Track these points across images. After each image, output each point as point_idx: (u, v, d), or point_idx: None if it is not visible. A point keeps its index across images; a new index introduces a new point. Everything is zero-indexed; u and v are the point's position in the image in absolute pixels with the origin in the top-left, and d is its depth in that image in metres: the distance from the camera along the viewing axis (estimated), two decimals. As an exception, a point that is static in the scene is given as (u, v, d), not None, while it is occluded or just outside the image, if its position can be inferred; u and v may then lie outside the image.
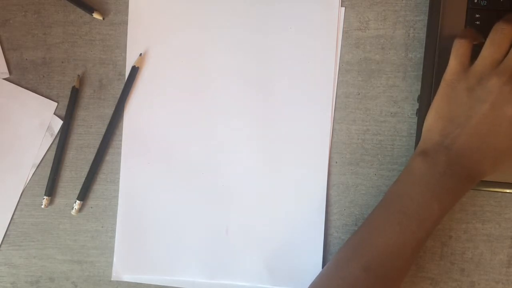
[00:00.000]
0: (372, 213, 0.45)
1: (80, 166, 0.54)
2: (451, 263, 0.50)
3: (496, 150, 0.42)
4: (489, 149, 0.42)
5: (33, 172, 0.54)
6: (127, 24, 0.53)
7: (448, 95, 0.43)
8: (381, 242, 0.43)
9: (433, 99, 0.45)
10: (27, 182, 0.54)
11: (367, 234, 0.44)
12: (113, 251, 0.53)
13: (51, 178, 0.53)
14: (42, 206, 0.54)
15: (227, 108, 0.52)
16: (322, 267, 0.51)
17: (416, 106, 0.50)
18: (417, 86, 0.50)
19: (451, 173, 0.42)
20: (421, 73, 0.48)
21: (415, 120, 0.50)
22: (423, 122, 0.47)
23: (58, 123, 0.53)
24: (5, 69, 0.54)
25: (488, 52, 0.42)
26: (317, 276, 0.46)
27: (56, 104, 0.54)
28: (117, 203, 0.53)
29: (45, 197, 0.53)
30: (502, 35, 0.42)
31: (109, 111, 0.53)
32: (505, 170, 0.44)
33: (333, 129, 0.51)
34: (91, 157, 0.53)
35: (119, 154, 0.53)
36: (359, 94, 0.51)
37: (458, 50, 0.43)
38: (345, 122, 0.51)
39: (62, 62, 0.53)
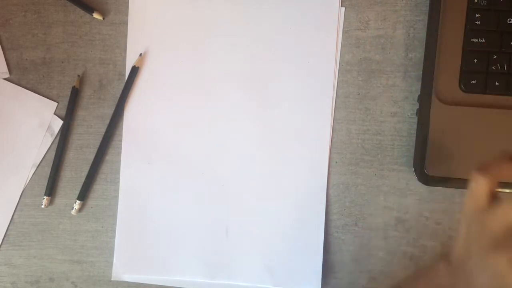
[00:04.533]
0: None
1: (80, 166, 0.54)
2: (451, 263, 0.50)
3: None
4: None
5: (33, 172, 0.54)
6: (127, 24, 0.53)
7: (465, 231, 0.37)
8: None
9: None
10: (27, 182, 0.54)
11: None
12: (113, 251, 0.53)
13: (51, 178, 0.53)
14: (42, 206, 0.54)
15: (227, 108, 0.52)
16: (322, 267, 0.51)
17: (416, 106, 0.50)
18: (417, 86, 0.50)
19: None
20: (421, 73, 0.48)
21: (415, 120, 0.49)
22: (422, 122, 0.47)
23: (58, 123, 0.53)
24: (5, 69, 0.54)
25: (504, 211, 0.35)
26: None
27: (56, 104, 0.54)
28: (117, 203, 0.53)
29: (45, 197, 0.53)
30: None
31: (109, 111, 0.53)
32: None
33: (333, 129, 0.51)
34: (91, 157, 0.53)
35: (119, 154, 0.53)
36: (359, 94, 0.51)
37: (475, 191, 0.36)
38: (345, 122, 0.51)
39: (62, 62, 0.53)
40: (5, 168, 0.54)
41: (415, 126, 0.50)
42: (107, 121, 0.53)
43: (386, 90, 0.51)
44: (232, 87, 0.52)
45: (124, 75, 0.53)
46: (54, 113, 0.53)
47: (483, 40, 0.45)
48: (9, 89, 0.54)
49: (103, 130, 0.53)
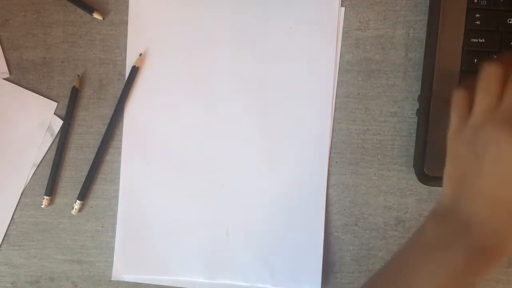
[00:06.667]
0: (372, 280, 0.41)
1: (80, 166, 0.54)
2: (451, 263, 0.50)
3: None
4: (504, 214, 0.35)
5: (33, 172, 0.54)
6: (127, 24, 0.53)
7: (452, 152, 0.38)
8: None
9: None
10: (27, 182, 0.54)
11: None
12: (113, 251, 0.53)
13: (51, 178, 0.53)
14: (42, 206, 0.54)
15: (227, 108, 0.52)
16: (322, 267, 0.51)
17: (416, 106, 0.50)
18: (417, 86, 0.50)
19: (459, 245, 0.35)
20: (421, 73, 0.48)
21: (415, 120, 0.50)
22: (422, 122, 0.47)
23: (58, 123, 0.53)
24: (5, 69, 0.54)
25: (480, 99, 0.37)
26: None
27: (56, 104, 0.54)
28: (117, 203, 0.53)
29: (45, 197, 0.53)
30: (490, 78, 0.37)
31: (109, 111, 0.53)
32: None
33: (333, 129, 0.51)
34: (91, 157, 0.53)
35: (119, 154, 0.53)
36: (359, 94, 0.51)
37: (455, 104, 0.39)
38: (345, 122, 0.51)
39: (62, 62, 0.53)
40: (5, 168, 0.54)
41: (415, 126, 0.50)
42: (107, 121, 0.53)
43: (386, 90, 0.51)
44: (232, 87, 0.52)
45: (124, 75, 0.53)
46: (54, 113, 0.54)
47: (483, 40, 0.45)
48: (9, 89, 0.54)
49: (103, 130, 0.53)
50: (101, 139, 0.53)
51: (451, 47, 0.48)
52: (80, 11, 0.53)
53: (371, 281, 0.41)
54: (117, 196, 0.53)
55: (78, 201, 0.53)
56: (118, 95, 0.53)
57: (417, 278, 0.37)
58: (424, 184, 0.48)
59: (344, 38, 0.51)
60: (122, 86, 0.53)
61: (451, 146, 0.39)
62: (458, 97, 0.39)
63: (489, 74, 0.37)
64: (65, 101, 0.53)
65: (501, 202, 0.35)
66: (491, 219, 0.35)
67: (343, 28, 0.51)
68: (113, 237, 0.53)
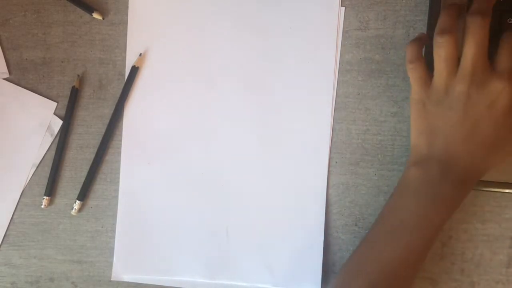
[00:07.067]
0: (372, 229, 0.45)
1: (80, 166, 0.54)
2: (451, 263, 0.50)
3: (484, 147, 0.42)
4: (477, 149, 0.42)
5: (33, 172, 0.54)
6: (127, 24, 0.53)
7: (421, 111, 0.44)
8: (384, 258, 0.43)
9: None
10: (27, 182, 0.54)
11: (369, 251, 0.44)
12: (113, 251, 0.53)
13: (51, 178, 0.53)
14: (42, 206, 0.54)
15: (227, 108, 0.52)
16: (322, 267, 0.51)
17: (416, 106, 0.50)
18: (417, 86, 0.50)
19: (445, 181, 0.42)
20: (421, 73, 0.48)
21: (415, 120, 0.49)
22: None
23: (58, 123, 0.53)
24: (5, 69, 0.54)
25: (440, 67, 0.42)
26: None
27: (56, 104, 0.54)
28: (117, 203, 0.53)
29: (45, 197, 0.53)
30: (444, 48, 0.41)
31: (109, 111, 0.53)
32: (503, 160, 0.43)
33: (333, 129, 0.51)
34: (91, 157, 0.53)
35: (119, 154, 0.53)
36: (359, 94, 0.51)
37: (413, 74, 0.43)
38: (345, 122, 0.51)
39: (62, 62, 0.53)
40: (5, 168, 0.54)
41: (415, 126, 0.50)
42: (107, 121, 0.53)
43: (386, 90, 0.51)
44: (232, 87, 0.52)
45: (124, 75, 0.53)
46: (54, 113, 0.54)
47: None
48: (9, 89, 0.54)
49: (103, 130, 0.53)
50: (101, 139, 0.53)
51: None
52: (80, 11, 0.53)
53: (367, 235, 0.46)
54: (117, 196, 0.53)
55: (78, 201, 0.53)
56: (118, 95, 0.53)
57: (411, 218, 0.43)
58: (424, 184, 0.48)
59: (344, 38, 0.51)
60: (122, 86, 0.53)
61: (418, 106, 0.44)
62: (414, 68, 0.43)
63: (442, 45, 0.41)
64: (65, 101, 0.53)
65: (475, 140, 0.42)
66: (468, 156, 0.42)
67: (343, 28, 0.51)
68: (113, 237, 0.53)
